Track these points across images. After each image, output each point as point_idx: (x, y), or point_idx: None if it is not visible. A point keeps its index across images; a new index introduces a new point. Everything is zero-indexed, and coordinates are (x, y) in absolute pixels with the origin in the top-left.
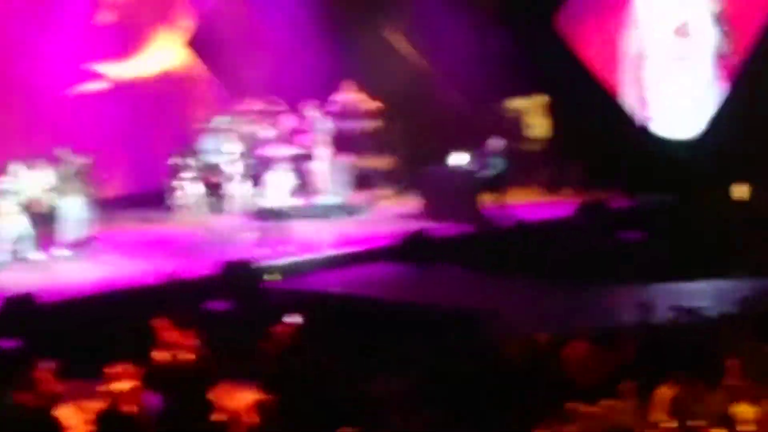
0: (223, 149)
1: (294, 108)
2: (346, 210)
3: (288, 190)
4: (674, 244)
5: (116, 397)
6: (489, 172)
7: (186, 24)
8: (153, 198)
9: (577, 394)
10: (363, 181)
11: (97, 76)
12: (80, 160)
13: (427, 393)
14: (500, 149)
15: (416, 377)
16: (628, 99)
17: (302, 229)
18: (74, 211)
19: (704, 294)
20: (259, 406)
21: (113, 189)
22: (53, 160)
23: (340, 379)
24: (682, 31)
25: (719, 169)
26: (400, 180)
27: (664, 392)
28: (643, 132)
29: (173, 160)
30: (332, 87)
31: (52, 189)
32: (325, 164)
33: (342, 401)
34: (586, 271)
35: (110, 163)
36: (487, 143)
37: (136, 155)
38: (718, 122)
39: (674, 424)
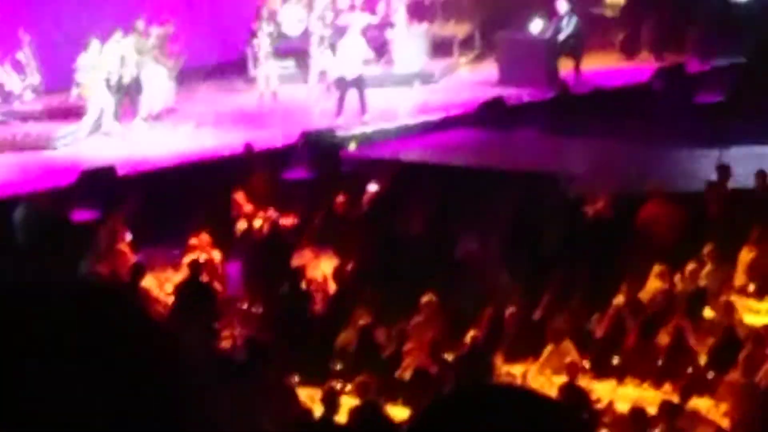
0: (302, 18)
1: None
2: (424, 77)
3: (365, 59)
4: (752, 107)
5: (196, 266)
6: (564, 36)
7: None
8: (232, 68)
9: (658, 255)
10: (440, 47)
11: None
12: (158, 30)
13: (509, 255)
14: (574, 11)
15: (498, 240)
16: None
17: (380, 97)
18: (153, 83)
19: None
20: (339, 273)
21: (192, 59)
22: (131, 31)
23: (421, 244)
24: None
25: None
26: (477, 46)
27: (745, 255)
28: None
29: (252, 29)
30: None
31: (131, 61)
32: (401, 31)
33: (424, 266)
34: (664, 134)
35: (189, 32)
36: (560, 5)
37: (215, 24)
38: None
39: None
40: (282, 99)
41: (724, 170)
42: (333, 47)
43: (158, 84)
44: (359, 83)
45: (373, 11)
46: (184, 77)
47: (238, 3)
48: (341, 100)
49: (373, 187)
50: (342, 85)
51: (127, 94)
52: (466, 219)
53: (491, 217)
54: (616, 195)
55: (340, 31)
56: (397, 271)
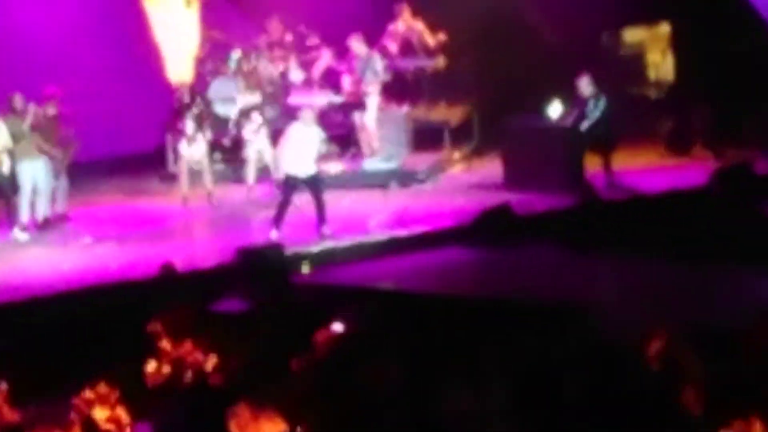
0: (239, 97)
1: (333, 42)
2: (404, 177)
3: (325, 151)
4: None
5: (92, 427)
6: (588, 124)
7: None
8: (144, 162)
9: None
10: (426, 138)
11: None
12: (42, 110)
13: (518, 413)
14: (607, 94)
15: (501, 394)
16: None
17: (345, 203)
18: (36, 180)
19: None
20: None
21: (90, 149)
22: (5, 111)
23: (397, 403)
24: None
25: None
26: (475, 137)
27: None
28: None
29: (172, 112)
30: (383, 14)
31: (4, 151)
32: (374, 116)
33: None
34: (724, 250)
35: (85, 113)
36: (582, 85)
37: (121, 104)
38: None
39: None
40: (215, 203)
41: None
42: (280, 135)
43: (44, 182)
44: (315, 184)
45: (336, 88)
46: (79, 173)
47: (153, 73)
48: (288, 206)
49: (336, 327)
50: (291, 186)
51: (3, 194)
52: (458, 366)
53: (493, 362)
54: (663, 331)
55: (290, 114)
56: None
